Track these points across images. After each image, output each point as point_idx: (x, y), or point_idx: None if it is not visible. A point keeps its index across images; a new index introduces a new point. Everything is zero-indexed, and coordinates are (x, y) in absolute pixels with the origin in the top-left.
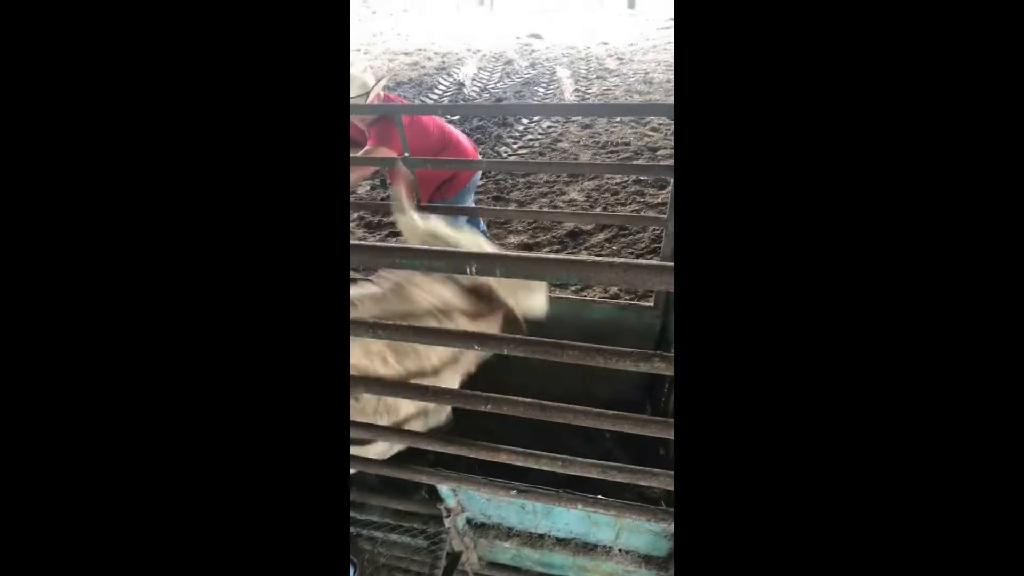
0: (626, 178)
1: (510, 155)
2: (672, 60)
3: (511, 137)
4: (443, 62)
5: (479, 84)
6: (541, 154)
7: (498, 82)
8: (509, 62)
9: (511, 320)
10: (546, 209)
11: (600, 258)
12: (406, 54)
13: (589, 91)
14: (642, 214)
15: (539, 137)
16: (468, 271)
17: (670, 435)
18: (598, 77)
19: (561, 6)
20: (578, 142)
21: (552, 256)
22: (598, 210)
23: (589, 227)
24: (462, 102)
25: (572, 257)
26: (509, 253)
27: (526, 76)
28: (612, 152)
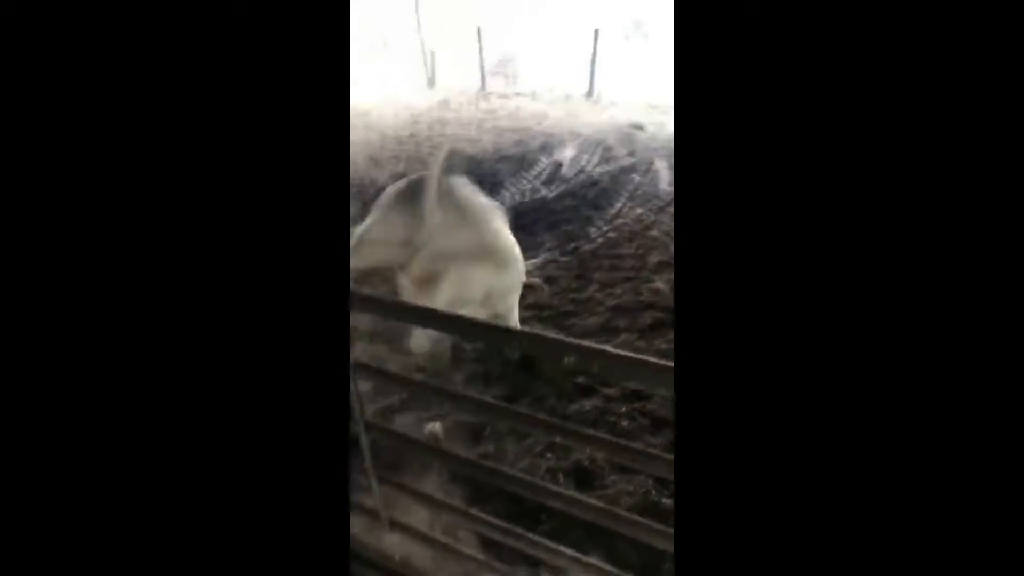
0: None
1: (598, 237)
2: None
3: (601, 220)
4: (546, 142)
5: (576, 166)
6: (630, 239)
7: (596, 166)
8: (608, 148)
9: None
10: (627, 296)
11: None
12: (513, 131)
13: None
14: None
15: (629, 223)
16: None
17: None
18: None
19: (670, 105)
20: (668, 232)
21: (562, 338)
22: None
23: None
24: (558, 181)
25: (583, 343)
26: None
27: (624, 163)
28: None
